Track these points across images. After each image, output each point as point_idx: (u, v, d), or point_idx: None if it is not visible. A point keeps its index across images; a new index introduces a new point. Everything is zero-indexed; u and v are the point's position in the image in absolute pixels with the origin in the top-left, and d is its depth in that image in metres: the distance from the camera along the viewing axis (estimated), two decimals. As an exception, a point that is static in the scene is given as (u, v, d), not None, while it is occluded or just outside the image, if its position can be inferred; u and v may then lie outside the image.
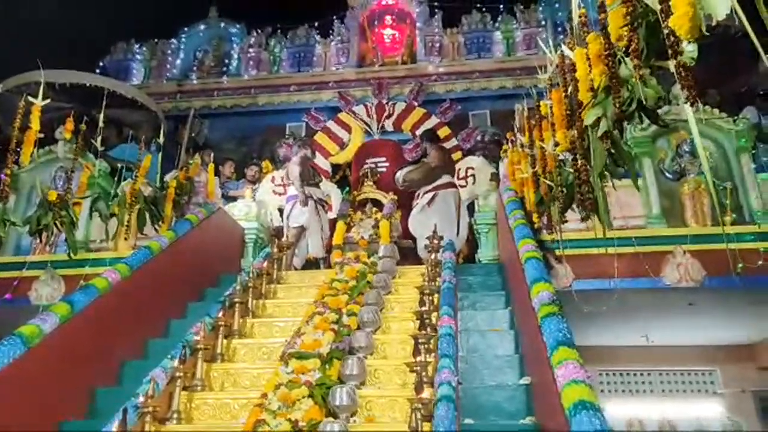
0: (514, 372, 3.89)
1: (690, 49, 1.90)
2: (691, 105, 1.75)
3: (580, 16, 2.68)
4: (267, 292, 5.26)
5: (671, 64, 1.67)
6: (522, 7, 10.22)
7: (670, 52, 1.63)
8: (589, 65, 2.49)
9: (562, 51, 3.06)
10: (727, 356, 6.93)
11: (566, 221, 3.68)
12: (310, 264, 7.09)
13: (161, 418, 3.40)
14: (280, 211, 7.35)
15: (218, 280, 5.92)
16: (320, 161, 8.64)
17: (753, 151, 5.98)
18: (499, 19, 10.16)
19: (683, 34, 1.60)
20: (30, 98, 4.32)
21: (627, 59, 2.15)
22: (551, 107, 3.43)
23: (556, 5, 10.01)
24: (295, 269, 6.59)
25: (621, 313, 5.52)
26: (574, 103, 2.79)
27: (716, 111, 5.96)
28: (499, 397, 3.61)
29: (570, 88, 2.88)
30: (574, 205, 3.37)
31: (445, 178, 7.08)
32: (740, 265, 4.48)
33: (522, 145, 5.08)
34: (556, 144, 3.41)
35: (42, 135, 4.48)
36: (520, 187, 5.29)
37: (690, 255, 5.20)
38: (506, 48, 9.83)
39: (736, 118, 5.96)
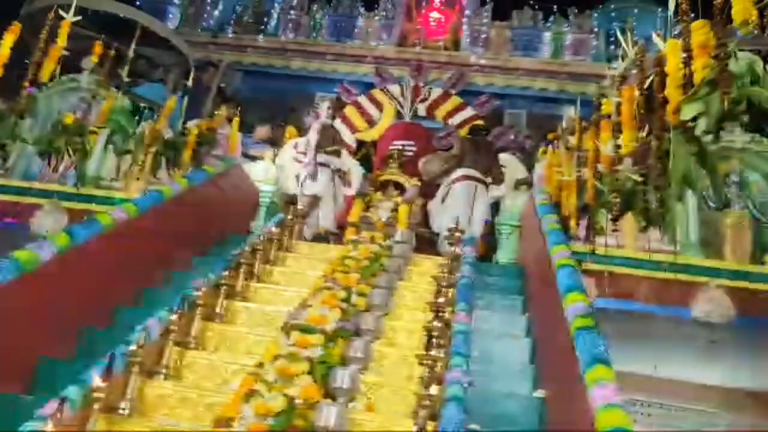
0: (528, 383, 3.65)
1: None
2: None
3: (680, 3, 2.38)
4: (276, 258, 5.03)
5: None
6: (576, 11, 9.86)
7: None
8: (686, 58, 2.21)
9: (644, 43, 2.78)
10: (737, 400, 6.64)
11: (616, 230, 3.42)
12: (320, 238, 6.85)
13: (149, 371, 3.21)
14: (298, 178, 7.11)
15: (226, 238, 5.67)
16: (347, 136, 8.36)
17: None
18: (551, 19, 9.82)
19: None
20: (61, 12, 4.05)
21: (740, 53, 1.88)
22: (618, 105, 3.15)
23: (612, 14, 9.66)
24: (305, 240, 6.35)
25: (637, 339, 5.26)
26: (653, 101, 2.51)
27: (770, 142, 5.62)
28: (511, 408, 3.37)
29: (649, 83, 2.59)
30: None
31: (460, 171, 6.75)
32: None
33: (567, 147, 4.78)
34: (617, 147, 3.14)
35: (67, 53, 4.19)
36: (557, 191, 5.00)
37: (723, 290, 4.91)
38: (554, 50, 9.49)
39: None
